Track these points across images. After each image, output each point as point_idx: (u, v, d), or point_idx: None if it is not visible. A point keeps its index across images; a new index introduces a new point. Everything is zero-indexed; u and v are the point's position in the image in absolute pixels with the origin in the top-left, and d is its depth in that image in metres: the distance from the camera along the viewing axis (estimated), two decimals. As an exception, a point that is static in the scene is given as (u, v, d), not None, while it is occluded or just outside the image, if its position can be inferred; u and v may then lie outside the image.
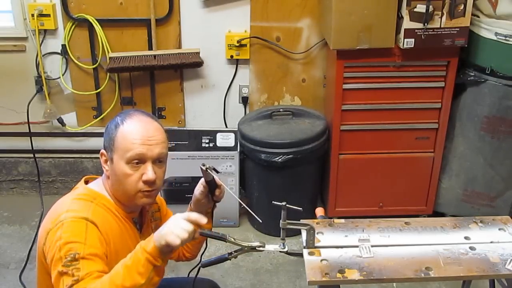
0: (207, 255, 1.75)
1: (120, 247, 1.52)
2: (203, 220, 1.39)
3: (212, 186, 1.67)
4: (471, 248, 1.60)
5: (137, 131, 1.52)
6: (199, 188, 1.70)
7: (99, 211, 1.51)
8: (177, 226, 1.36)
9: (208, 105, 3.28)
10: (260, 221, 1.66)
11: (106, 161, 1.56)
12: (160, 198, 1.83)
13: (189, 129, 3.23)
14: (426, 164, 2.98)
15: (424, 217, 3.03)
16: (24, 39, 3.13)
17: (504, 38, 2.57)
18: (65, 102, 3.27)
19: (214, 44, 3.12)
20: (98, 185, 1.60)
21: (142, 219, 1.69)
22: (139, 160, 1.52)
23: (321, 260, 1.55)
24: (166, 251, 1.37)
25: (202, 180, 1.68)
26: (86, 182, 1.64)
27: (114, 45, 3.09)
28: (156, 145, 1.53)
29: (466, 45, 2.65)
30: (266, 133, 2.94)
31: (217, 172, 1.62)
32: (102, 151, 1.57)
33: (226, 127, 3.28)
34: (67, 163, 3.41)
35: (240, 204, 3.10)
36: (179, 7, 3.05)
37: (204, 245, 1.79)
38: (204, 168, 1.58)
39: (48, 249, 1.42)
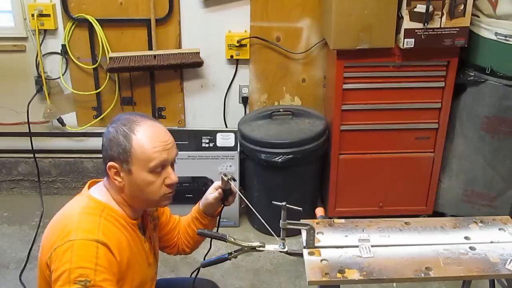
0: (208, 255, 1.75)
1: (130, 258, 1.51)
2: None
3: (226, 193, 1.73)
4: (471, 248, 1.60)
5: (153, 138, 1.49)
6: (213, 193, 1.74)
7: (108, 226, 1.47)
8: None
9: (208, 105, 3.28)
10: (274, 236, 1.64)
11: (117, 173, 1.50)
12: None
13: (189, 129, 3.23)
14: (426, 164, 2.98)
15: (424, 217, 3.03)
16: (24, 39, 3.13)
17: (504, 38, 2.57)
18: (65, 102, 3.27)
19: (214, 44, 3.12)
20: (102, 194, 1.55)
21: (145, 223, 1.68)
22: (162, 167, 1.50)
23: (321, 260, 1.56)
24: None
25: (216, 185, 1.73)
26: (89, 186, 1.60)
27: (114, 45, 3.09)
28: (172, 147, 1.53)
29: (466, 45, 2.65)
30: (266, 133, 2.94)
31: (234, 180, 1.70)
32: (112, 163, 1.49)
33: (226, 127, 3.28)
34: (67, 163, 3.41)
35: (241, 204, 3.10)
36: (179, 7, 3.05)
37: (208, 245, 1.80)
38: (226, 178, 1.66)
39: (55, 266, 1.40)
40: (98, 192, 1.56)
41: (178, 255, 2.01)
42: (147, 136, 1.49)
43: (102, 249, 1.41)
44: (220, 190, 1.72)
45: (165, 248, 1.87)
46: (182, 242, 1.86)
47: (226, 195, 1.73)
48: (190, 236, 1.84)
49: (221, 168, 3.01)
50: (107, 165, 1.50)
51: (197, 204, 1.81)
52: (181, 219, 1.88)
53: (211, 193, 1.74)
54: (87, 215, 1.47)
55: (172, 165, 1.55)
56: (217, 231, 1.80)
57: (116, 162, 1.49)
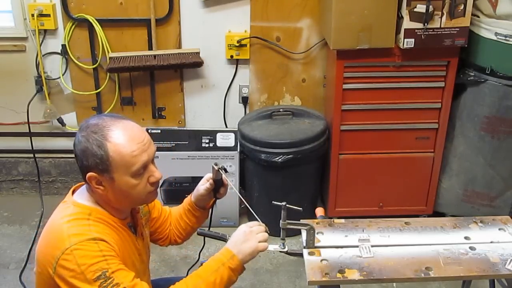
0: (207, 255, 1.76)
1: (123, 257, 1.50)
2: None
3: (218, 184, 1.72)
4: (471, 248, 1.60)
5: (129, 141, 1.44)
6: (204, 184, 1.73)
7: (98, 226, 1.46)
8: (257, 237, 1.58)
9: (208, 105, 3.28)
10: (273, 236, 1.66)
11: (98, 182, 1.46)
12: None
13: (189, 129, 3.23)
14: (426, 164, 2.98)
15: (424, 217, 3.03)
16: (24, 39, 3.13)
17: (504, 38, 2.57)
18: (65, 102, 3.27)
19: (214, 44, 3.12)
20: (86, 198, 1.52)
21: (135, 221, 1.66)
22: (144, 168, 1.48)
23: (321, 260, 1.56)
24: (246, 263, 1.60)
25: (208, 176, 1.72)
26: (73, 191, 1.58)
27: (114, 45, 3.09)
28: (149, 145, 1.49)
29: (466, 45, 2.65)
30: (266, 133, 2.94)
31: (226, 171, 1.69)
32: (91, 174, 1.44)
33: (226, 127, 3.28)
34: (67, 163, 3.41)
35: (240, 204, 3.10)
36: (179, 7, 3.05)
37: (203, 242, 1.81)
38: (216, 168, 1.65)
39: (65, 277, 1.38)
40: (82, 197, 1.53)
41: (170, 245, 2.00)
42: (123, 141, 1.43)
43: (102, 243, 1.41)
44: (211, 181, 1.70)
45: (158, 241, 1.87)
46: (173, 233, 1.86)
47: (217, 187, 1.72)
48: (182, 228, 1.84)
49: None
50: (86, 176, 1.46)
51: (189, 196, 1.81)
52: (172, 211, 1.87)
53: (203, 184, 1.73)
54: (75, 222, 1.45)
55: (153, 162, 1.52)
56: (210, 224, 1.82)
57: (95, 172, 1.44)
